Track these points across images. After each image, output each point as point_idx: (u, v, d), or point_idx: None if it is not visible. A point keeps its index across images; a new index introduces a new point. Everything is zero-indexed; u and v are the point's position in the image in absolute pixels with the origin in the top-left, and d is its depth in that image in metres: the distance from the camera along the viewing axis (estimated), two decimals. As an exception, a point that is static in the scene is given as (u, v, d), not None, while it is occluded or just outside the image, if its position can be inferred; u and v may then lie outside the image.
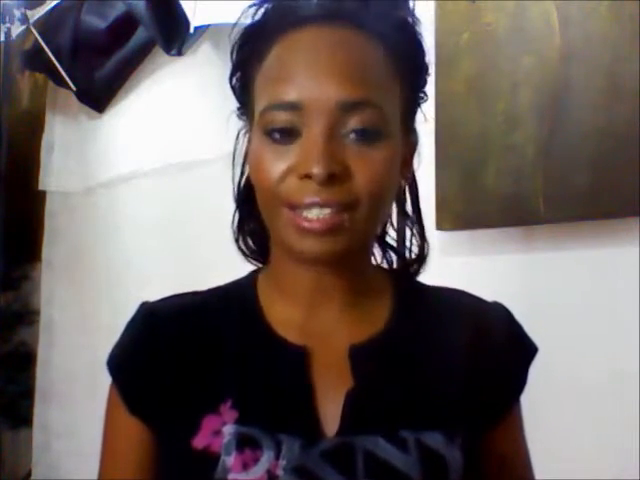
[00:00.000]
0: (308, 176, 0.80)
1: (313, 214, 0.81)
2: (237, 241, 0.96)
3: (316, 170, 0.80)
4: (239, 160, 0.93)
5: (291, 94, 0.81)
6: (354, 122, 0.81)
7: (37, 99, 3.54)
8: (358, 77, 0.82)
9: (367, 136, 0.82)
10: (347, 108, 0.81)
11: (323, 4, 0.85)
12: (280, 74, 0.83)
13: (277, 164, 0.82)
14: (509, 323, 0.96)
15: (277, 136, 0.82)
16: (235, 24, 0.90)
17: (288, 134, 0.82)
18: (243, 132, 0.92)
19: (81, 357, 3.18)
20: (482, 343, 0.92)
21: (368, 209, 0.83)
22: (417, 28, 0.89)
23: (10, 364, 3.56)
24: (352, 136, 0.82)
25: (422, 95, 0.92)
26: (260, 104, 0.85)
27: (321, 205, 0.81)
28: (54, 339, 3.43)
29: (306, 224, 0.81)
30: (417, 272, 0.97)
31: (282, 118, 0.82)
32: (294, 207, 0.82)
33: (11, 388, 3.55)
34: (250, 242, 0.96)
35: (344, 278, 0.89)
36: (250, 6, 0.88)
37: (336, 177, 0.80)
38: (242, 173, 0.93)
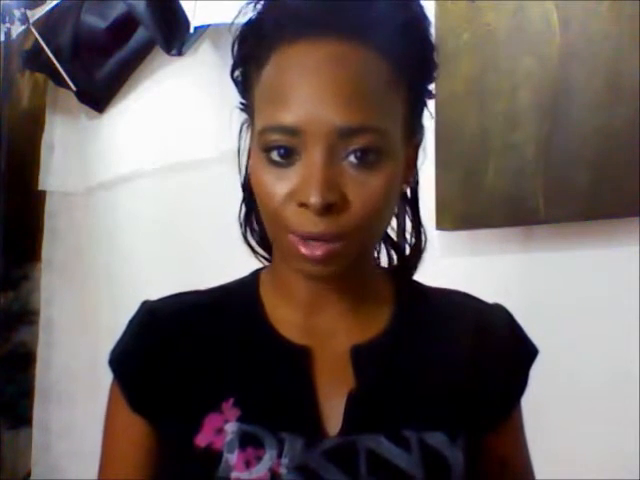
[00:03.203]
0: (306, 205, 0.80)
1: (311, 242, 0.80)
2: (245, 236, 0.96)
3: (313, 200, 0.78)
4: (243, 154, 0.92)
5: (289, 118, 0.80)
6: (353, 147, 0.80)
7: (37, 99, 3.54)
8: (357, 100, 0.79)
9: (366, 161, 0.80)
10: (346, 133, 0.79)
11: (321, 11, 0.82)
12: (277, 94, 0.81)
13: (278, 188, 0.81)
14: (510, 325, 0.96)
15: (277, 158, 0.81)
16: (232, 23, 0.89)
17: (287, 156, 0.81)
18: (246, 126, 0.91)
19: (81, 357, 3.18)
20: (483, 345, 0.92)
21: (364, 235, 0.82)
22: (423, 26, 0.87)
23: (10, 364, 3.56)
24: (351, 159, 0.80)
25: (428, 93, 0.90)
26: (258, 122, 0.83)
27: (317, 237, 0.80)
28: (54, 339, 3.43)
29: (305, 251, 0.81)
30: (415, 266, 0.97)
31: (280, 142, 0.80)
32: (295, 234, 0.81)
33: (11, 388, 3.55)
34: (257, 237, 0.96)
35: (345, 285, 0.89)
36: (249, 3, 0.87)
37: (333, 207, 0.79)
38: (246, 168, 0.93)
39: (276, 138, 0.81)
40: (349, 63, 0.81)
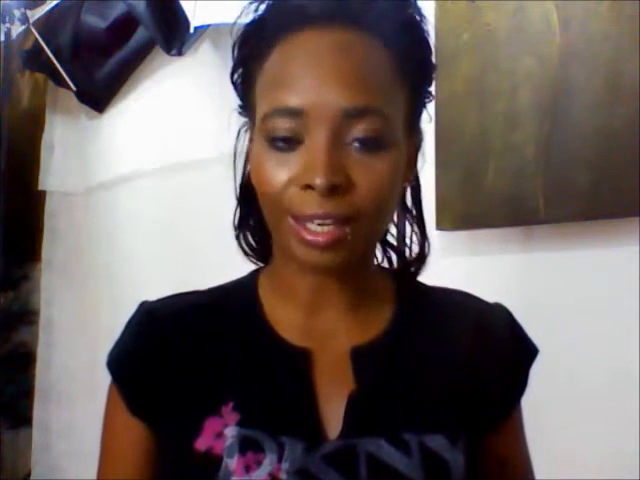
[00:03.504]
0: (310, 187, 0.79)
1: (315, 226, 0.80)
2: (238, 239, 0.96)
3: (318, 181, 0.78)
4: (240, 158, 0.92)
5: (293, 100, 0.80)
6: (357, 130, 0.80)
7: (37, 99, 3.54)
8: (362, 83, 0.80)
9: (370, 145, 0.80)
10: (351, 115, 0.79)
11: (325, 3, 0.83)
12: (282, 79, 0.81)
13: (279, 172, 0.81)
14: (511, 325, 0.96)
15: (279, 143, 0.81)
16: (235, 23, 0.89)
17: (290, 141, 0.81)
18: (244, 129, 0.91)
19: (81, 357, 3.18)
20: (484, 345, 0.92)
21: (370, 221, 0.82)
22: (423, 26, 0.87)
23: (10, 364, 3.56)
24: (355, 144, 0.80)
25: (428, 95, 0.90)
26: (261, 108, 0.83)
27: (322, 218, 0.80)
28: (54, 339, 3.43)
29: (309, 237, 0.80)
30: (418, 271, 0.97)
31: (284, 125, 0.80)
32: (297, 217, 0.81)
33: (11, 388, 3.55)
34: (251, 241, 0.96)
35: (346, 282, 0.89)
36: (251, 3, 0.87)
37: (338, 188, 0.79)
38: (243, 171, 0.93)
39: (280, 123, 0.80)
40: (354, 50, 0.81)
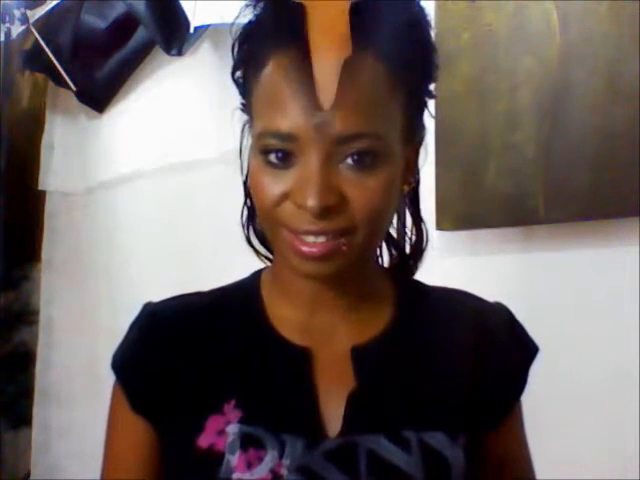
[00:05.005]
0: (303, 207, 0.80)
1: (310, 239, 0.81)
2: (247, 238, 0.96)
3: (310, 203, 0.79)
4: (244, 154, 0.92)
5: (286, 125, 0.80)
6: (351, 151, 0.80)
7: (37, 99, 3.54)
8: (354, 107, 0.79)
9: (363, 163, 0.80)
10: (344, 141, 0.79)
11: None
12: (275, 99, 0.81)
13: (273, 188, 0.81)
14: (511, 324, 0.97)
15: (274, 160, 0.81)
16: (233, 23, 0.89)
17: (284, 160, 0.81)
18: (248, 126, 0.91)
19: (81, 357, 3.18)
20: (484, 344, 0.92)
21: (366, 231, 0.82)
22: (423, 27, 0.87)
23: (10, 364, 3.56)
24: (348, 161, 0.80)
25: (429, 94, 0.89)
26: (257, 125, 0.84)
27: (317, 234, 0.80)
28: (54, 339, 3.43)
29: (304, 248, 0.81)
30: (415, 265, 0.97)
31: (277, 146, 0.81)
32: (291, 230, 0.82)
33: (11, 388, 3.55)
34: (260, 238, 0.96)
35: (345, 285, 0.89)
36: (247, 5, 0.87)
37: (331, 209, 0.79)
38: (248, 170, 0.93)
39: (274, 144, 0.81)
40: (349, 70, 0.80)
